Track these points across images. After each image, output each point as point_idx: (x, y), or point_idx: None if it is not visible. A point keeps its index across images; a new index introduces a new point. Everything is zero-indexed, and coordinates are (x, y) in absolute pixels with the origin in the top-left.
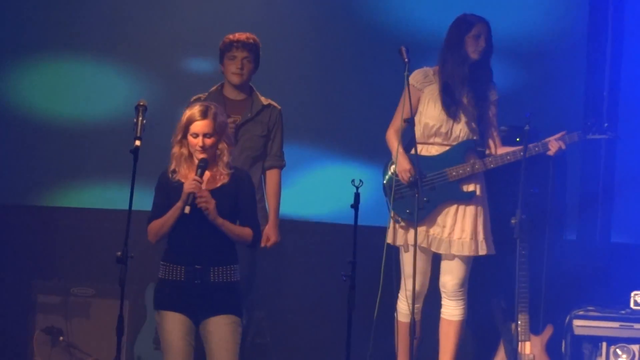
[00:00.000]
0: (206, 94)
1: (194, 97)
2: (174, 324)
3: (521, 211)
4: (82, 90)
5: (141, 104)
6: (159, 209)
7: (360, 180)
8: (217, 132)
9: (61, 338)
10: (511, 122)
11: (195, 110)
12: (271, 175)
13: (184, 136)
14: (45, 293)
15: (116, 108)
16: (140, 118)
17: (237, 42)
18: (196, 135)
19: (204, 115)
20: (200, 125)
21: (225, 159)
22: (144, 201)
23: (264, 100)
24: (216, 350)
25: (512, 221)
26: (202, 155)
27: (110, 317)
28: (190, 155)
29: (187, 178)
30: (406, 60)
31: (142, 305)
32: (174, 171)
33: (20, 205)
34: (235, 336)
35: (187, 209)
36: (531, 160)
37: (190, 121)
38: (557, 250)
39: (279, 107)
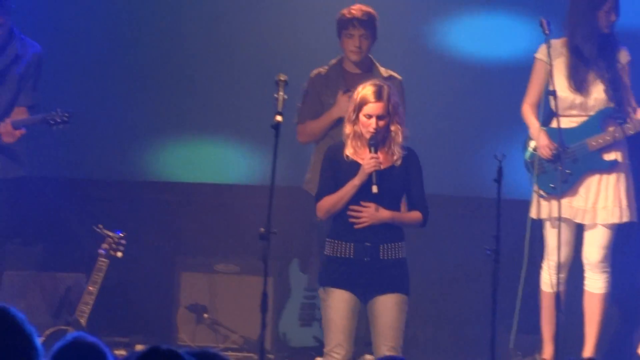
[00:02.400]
0: (326, 67)
1: (315, 71)
2: (341, 302)
3: None
4: None
5: (282, 78)
6: (329, 186)
7: (503, 154)
8: (390, 113)
9: (205, 315)
10: None
11: (368, 90)
12: None
13: (357, 116)
14: (189, 270)
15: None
16: (281, 93)
17: (354, 20)
18: (369, 117)
19: (379, 97)
20: (374, 108)
21: (398, 139)
22: (286, 176)
23: (384, 72)
24: (383, 329)
25: None
26: (373, 134)
27: (254, 294)
28: (362, 133)
29: (360, 157)
30: (547, 32)
31: (286, 281)
32: (345, 150)
33: (165, 181)
34: (402, 315)
35: (375, 189)
36: None
37: (363, 102)
38: None
39: (400, 78)
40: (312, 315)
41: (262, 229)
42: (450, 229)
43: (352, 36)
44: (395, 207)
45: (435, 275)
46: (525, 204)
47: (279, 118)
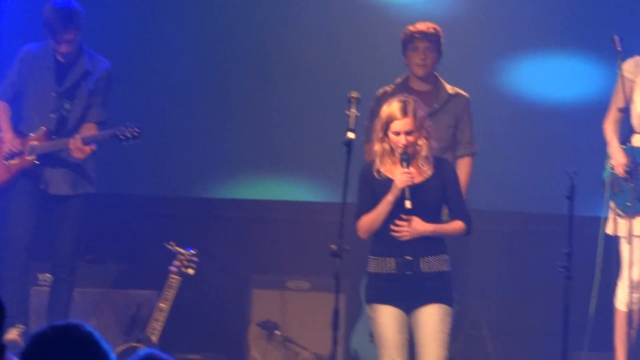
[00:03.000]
0: (392, 86)
1: (381, 90)
2: (388, 318)
3: None
4: None
5: (353, 95)
6: (366, 205)
7: (575, 171)
8: (418, 128)
9: (277, 332)
10: None
11: (395, 107)
12: (462, 164)
13: (385, 133)
14: (261, 287)
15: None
16: (353, 110)
17: (419, 33)
18: (398, 134)
19: (404, 112)
20: (401, 124)
21: (424, 153)
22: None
23: (450, 89)
24: (425, 340)
25: None
26: (404, 150)
27: (325, 311)
28: (392, 150)
29: (392, 173)
30: (619, 49)
31: (357, 298)
32: (377, 168)
33: (237, 199)
34: (445, 326)
35: (408, 204)
36: None
37: (390, 119)
38: None
39: (467, 95)
40: None
41: (333, 246)
42: (522, 245)
43: (417, 49)
44: (434, 219)
45: (507, 292)
46: (597, 221)
47: (350, 135)
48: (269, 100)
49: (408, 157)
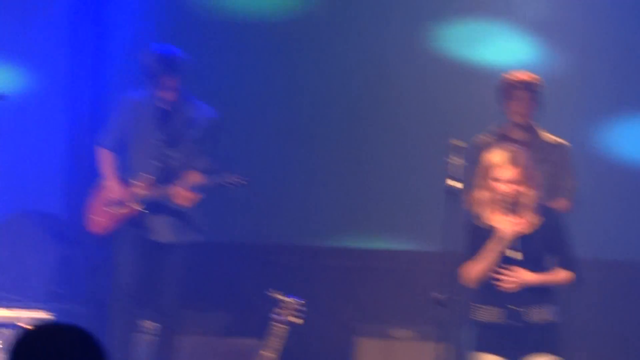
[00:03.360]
0: (491, 135)
1: (480, 139)
2: None
3: None
4: None
5: (457, 144)
6: (472, 253)
7: None
8: (525, 177)
9: None
10: None
11: (502, 156)
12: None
13: (490, 181)
14: (365, 336)
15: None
16: (455, 158)
17: (520, 83)
18: (503, 182)
19: (511, 161)
20: (508, 173)
21: (531, 203)
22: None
23: (550, 139)
24: None
25: None
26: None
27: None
28: (497, 198)
29: (497, 222)
30: None
31: (460, 347)
32: (481, 217)
33: (343, 247)
34: None
35: (518, 255)
36: None
37: (497, 167)
38: None
39: (568, 144)
40: None
41: (437, 295)
42: (627, 294)
43: (517, 98)
44: (540, 269)
45: (610, 343)
46: None
47: (452, 183)
48: (373, 149)
49: (513, 207)
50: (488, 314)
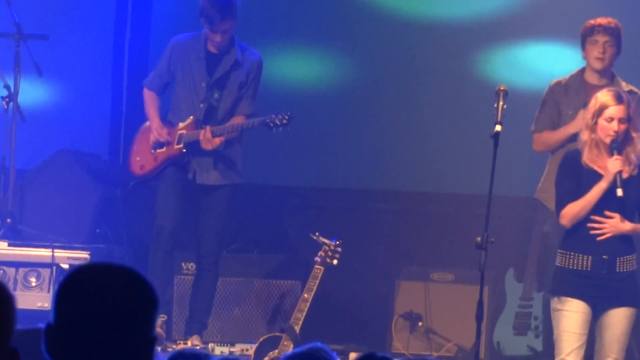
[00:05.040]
0: (567, 77)
1: (554, 81)
2: (577, 312)
3: None
4: None
5: (502, 88)
6: (571, 193)
7: None
8: (631, 118)
9: (420, 323)
10: None
11: (608, 95)
12: None
13: (596, 121)
14: (405, 279)
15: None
16: (501, 103)
17: (599, 27)
18: (610, 120)
19: (619, 100)
20: (615, 110)
21: (637, 147)
22: (504, 185)
23: (626, 86)
24: (610, 342)
25: None
26: (615, 138)
27: (469, 303)
28: (600, 141)
29: (597, 164)
30: None
31: (502, 290)
32: (584, 157)
33: (382, 189)
34: (630, 328)
35: (619, 192)
36: None
37: (604, 106)
38: None
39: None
40: (527, 324)
41: (479, 239)
42: None
43: (596, 42)
44: (632, 217)
45: None
46: None
47: (498, 128)
48: (419, 95)
49: (619, 145)
50: (577, 261)
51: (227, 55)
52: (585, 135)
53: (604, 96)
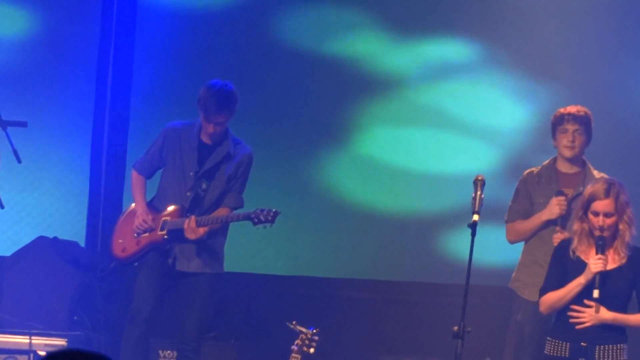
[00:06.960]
0: (539, 167)
1: (527, 171)
2: None
3: None
4: None
5: (479, 178)
6: (555, 281)
7: None
8: (619, 211)
9: None
10: None
11: (597, 187)
12: None
13: (585, 212)
14: None
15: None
16: (478, 192)
17: (569, 115)
18: (597, 214)
19: (607, 194)
20: (601, 205)
21: (626, 239)
22: (480, 275)
23: (597, 174)
24: None
25: None
26: (601, 234)
27: None
28: (591, 231)
29: (586, 255)
30: None
31: None
32: (573, 247)
33: (362, 279)
34: None
35: (596, 293)
36: None
37: (592, 199)
38: None
39: (617, 182)
40: None
41: (455, 328)
42: None
43: (566, 131)
44: (620, 307)
45: None
46: None
47: (475, 217)
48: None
49: (604, 243)
50: (556, 348)
51: (220, 147)
52: (575, 225)
53: (593, 188)
